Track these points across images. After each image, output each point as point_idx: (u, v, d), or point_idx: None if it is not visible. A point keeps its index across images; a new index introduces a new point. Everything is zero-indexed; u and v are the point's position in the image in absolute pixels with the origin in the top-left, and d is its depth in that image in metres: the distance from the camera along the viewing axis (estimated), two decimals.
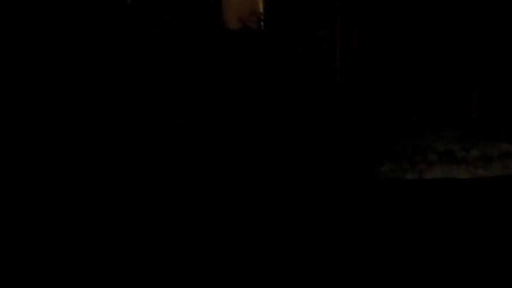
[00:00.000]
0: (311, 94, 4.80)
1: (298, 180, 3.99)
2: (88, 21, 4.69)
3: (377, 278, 2.74)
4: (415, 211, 3.34)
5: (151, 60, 4.75)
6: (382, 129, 4.62)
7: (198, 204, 3.77)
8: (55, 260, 3.11)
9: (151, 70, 4.75)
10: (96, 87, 4.70)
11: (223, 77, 4.74)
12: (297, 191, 3.82)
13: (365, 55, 4.84)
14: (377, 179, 3.95)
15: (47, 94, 4.54)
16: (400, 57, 4.85)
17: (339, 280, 2.74)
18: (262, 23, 4.86)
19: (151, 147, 4.51)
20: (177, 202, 3.89)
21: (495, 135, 4.55)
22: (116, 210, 3.80)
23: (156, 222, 3.60)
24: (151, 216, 3.71)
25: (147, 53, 4.75)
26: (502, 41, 4.73)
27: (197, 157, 4.40)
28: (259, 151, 4.47)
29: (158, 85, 4.74)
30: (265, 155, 4.43)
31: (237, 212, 3.51)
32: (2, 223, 3.54)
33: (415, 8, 4.82)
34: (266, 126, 4.65)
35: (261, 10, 4.88)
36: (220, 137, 4.56)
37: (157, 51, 4.73)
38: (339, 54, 4.84)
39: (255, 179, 4.06)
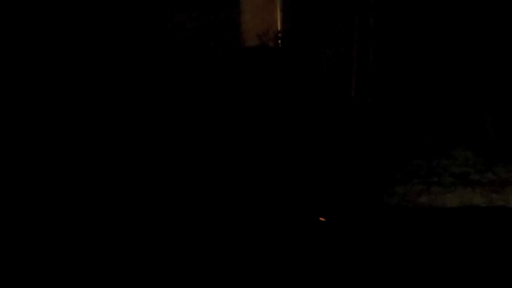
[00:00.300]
0: (326, 112, 4.82)
1: (307, 201, 4.02)
2: (105, 20, 4.70)
3: None
4: (428, 242, 3.35)
5: (169, 67, 4.76)
6: (396, 149, 4.64)
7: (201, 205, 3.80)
8: (55, 259, 3.12)
9: (167, 76, 4.77)
10: (109, 87, 4.71)
11: (240, 92, 4.77)
12: (306, 212, 3.84)
13: (380, 74, 4.85)
14: (389, 204, 3.97)
15: (59, 93, 4.53)
16: (416, 76, 4.86)
17: None
18: (279, 41, 4.88)
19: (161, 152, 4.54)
20: (175, 202, 3.92)
21: (511, 158, 4.56)
22: (115, 210, 3.82)
23: (153, 222, 3.63)
24: (149, 216, 3.74)
25: (165, 58, 4.77)
26: None
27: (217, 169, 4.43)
28: (269, 165, 4.49)
29: (171, 91, 4.76)
30: (275, 169, 4.45)
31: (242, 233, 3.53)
32: (2, 223, 3.56)
33: (431, 26, 4.83)
34: (279, 142, 4.67)
35: (279, 28, 4.90)
36: (233, 154, 4.59)
37: (175, 59, 4.74)
38: (355, 72, 4.86)
39: (262, 192, 4.08)
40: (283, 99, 4.78)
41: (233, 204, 3.89)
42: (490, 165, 4.49)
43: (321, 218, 3.48)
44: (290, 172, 4.36)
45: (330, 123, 4.77)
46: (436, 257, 3.17)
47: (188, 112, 4.69)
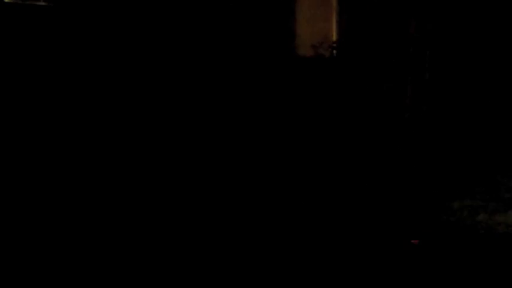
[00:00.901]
0: (380, 126, 4.75)
1: (364, 214, 3.95)
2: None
3: None
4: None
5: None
6: (455, 164, 4.53)
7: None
8: (55, 259, 3.13)
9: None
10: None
11: (295, 102, 4.75)
12: (360, 226, 3.78)
13: (437, 88, 4.76)
14: (447, 220, 3.86)
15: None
16: (474, 92, 4.75)
17: None
18: (334, 51, 4.85)
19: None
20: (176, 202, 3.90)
21: None
22: (116, 210, 3.83)
23: (155, 222, 3.62)
24: (150, 216, 3.73)
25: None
26: None
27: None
28: (325, 180, 4.45)
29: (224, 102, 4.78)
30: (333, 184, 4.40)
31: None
32: (2, 223, 3.59)
33: (488, 41, 4.72)
34: (333, 156, 4.63)
35: (334, 38, 4.88)
36: (285, 167, 4.57)
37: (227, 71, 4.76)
38: (410, 86, 4.78)
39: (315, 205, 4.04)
40: (339, 109, 4.74)
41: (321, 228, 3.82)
42: None
43: (413, 241, 3.36)
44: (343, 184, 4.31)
45: (384, 138, 4.71)
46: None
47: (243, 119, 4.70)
